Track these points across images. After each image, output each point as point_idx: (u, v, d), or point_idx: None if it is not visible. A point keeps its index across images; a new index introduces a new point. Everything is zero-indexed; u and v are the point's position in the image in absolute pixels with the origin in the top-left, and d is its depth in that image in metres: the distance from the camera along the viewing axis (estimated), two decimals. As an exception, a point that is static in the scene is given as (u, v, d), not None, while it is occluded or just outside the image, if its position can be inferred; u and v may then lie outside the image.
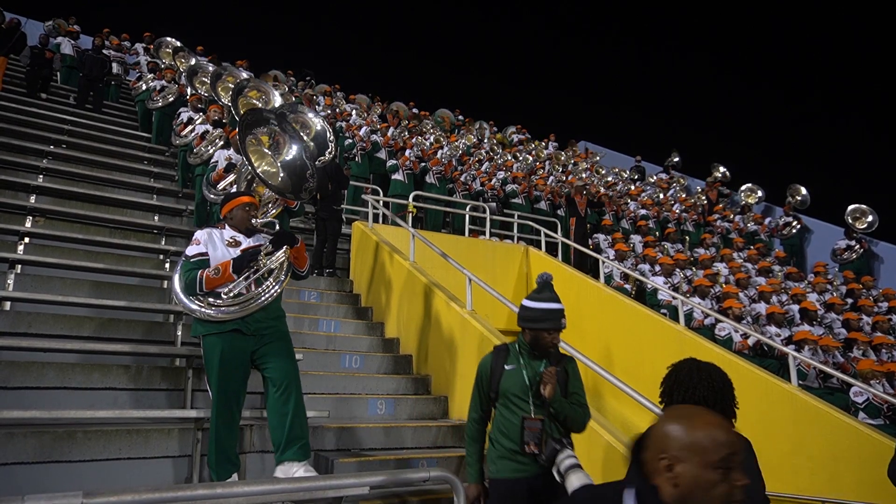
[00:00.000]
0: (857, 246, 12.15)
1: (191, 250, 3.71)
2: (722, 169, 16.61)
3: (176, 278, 3.76)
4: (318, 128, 5.66)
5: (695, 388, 2.26)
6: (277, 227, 4.04)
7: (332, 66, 32.48)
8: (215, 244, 3.75)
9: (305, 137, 4.87)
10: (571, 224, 10.53)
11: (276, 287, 3.74)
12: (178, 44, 11.24)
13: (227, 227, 3.89)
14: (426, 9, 32.43)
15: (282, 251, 3.80)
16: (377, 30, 34.61)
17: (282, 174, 4.20)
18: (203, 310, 3.56)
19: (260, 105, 6.02)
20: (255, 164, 4.06)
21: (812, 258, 13.28)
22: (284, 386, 3.61)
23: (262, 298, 3.66)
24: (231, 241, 3.80)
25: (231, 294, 3.60)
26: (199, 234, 3.78)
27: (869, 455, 4.98)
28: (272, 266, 3.75)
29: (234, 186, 5.67)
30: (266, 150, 4.22)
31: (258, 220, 4.11)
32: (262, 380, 3.73)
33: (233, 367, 3.58)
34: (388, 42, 33.85)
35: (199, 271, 3.58)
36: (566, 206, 11.14)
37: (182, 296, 3.66)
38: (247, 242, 3.83)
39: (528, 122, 20.90)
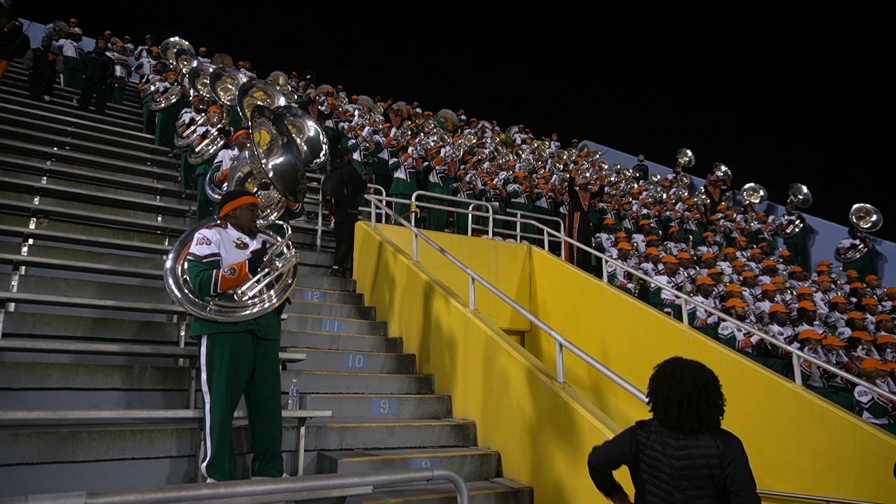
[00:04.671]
0: (862, 245, 12.12)
1: (201, 250, 3.56)
2: (724, 168, 16.56)
3: (171, 275, 3.67)
4: (312, 133, 5.71)
5: (678, 385, 2.30)
6: (288, 231, 4.02)
7: (334, 67, 32.53)
8: (226, 246, 3.66)
9: (299, 140, 4.88)
10: (575, 221, 10.47)
11: (284, 291, 3.75)
12: (187, 44, 11.24)
13: (229, 226, 3.80)
14: (429, 9, 32.44)
15: (292, 254, 3.78)
16: (380, 30, 34.65)
17: (272, 174, 4.17)
18: (209, 310, 3.52)
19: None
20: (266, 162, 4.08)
21: (816, 257, 13.25)
22: (273, 403, 3.72)
23: (274, 301, 3.66)
24: (238, 242, 3.74)
25: (245, 296, 3.58)
26: (208, 234, 3.64)
27: (873, 455, 4.97)
28: (282, 269, 3.75)
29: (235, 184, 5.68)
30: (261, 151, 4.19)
31: (262, 223, 4.10)
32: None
33: (242, 369, 3.57)
34: (390, 42, 33.91)
35: (214, 271, 3.52)
36: (570, 201, 11.04)
37: (180, 294, 3.60)
38: (252, 244, 3.80)
39: (531, 121, 20.92)
